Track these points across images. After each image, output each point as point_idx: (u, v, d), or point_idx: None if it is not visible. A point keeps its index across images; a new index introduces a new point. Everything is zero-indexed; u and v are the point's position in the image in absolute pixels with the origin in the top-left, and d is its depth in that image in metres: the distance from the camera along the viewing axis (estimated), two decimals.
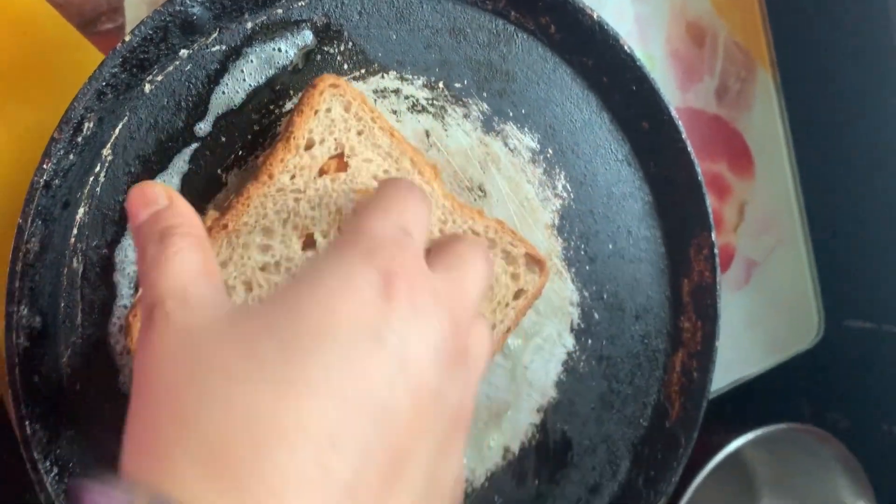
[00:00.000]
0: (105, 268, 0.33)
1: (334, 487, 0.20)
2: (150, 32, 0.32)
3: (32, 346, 0.31)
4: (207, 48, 0.34)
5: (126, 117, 0.33)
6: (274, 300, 0.23)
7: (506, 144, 0.40)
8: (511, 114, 0.40)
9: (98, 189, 0.33)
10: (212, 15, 0.34)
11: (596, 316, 0.42)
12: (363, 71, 0.37)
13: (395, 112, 0.38)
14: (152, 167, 0.34)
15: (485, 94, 0.39)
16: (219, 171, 0.35)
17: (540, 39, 0.40)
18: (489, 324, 0.29)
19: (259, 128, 0.35)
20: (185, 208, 0.26)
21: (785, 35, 0.55)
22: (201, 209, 0.35)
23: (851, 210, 0.58)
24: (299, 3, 0.35)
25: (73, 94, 0.31)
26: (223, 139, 0.35)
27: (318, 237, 0.33)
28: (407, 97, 0.38)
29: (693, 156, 0.41)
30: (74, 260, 0.33)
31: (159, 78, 0.34)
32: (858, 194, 0.57)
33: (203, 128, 0.34)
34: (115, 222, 0.33)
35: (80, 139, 0.31)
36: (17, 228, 0.30)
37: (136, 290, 0.34)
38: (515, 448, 0.41)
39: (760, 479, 0.63)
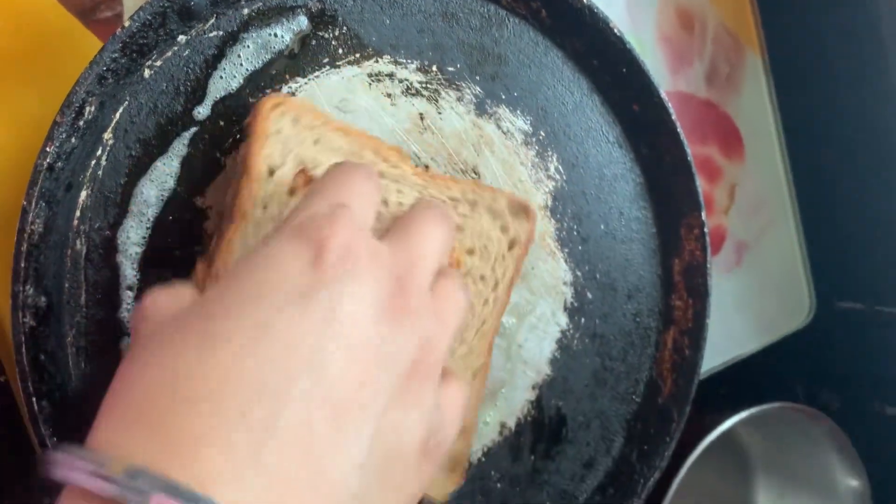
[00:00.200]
0: (108, 249, 0.34)
1: (257, 432, 0.21)
2: (149, 18, 0.33)
3: (38, 324, 0.32)
4: (205, 34, 0.35)
5: (126, 101, 0.34)
6: (216, 284, 0.24)
7: (499, 127, 0.41)
8: (503, 97, 0.40)
9: (100, 172, 0.34)
10: (209, 1, 0.34)
11: (589, 295, 0.43)
12: (357, 55, 0.38)
13: (389, 95, 0.38)
14: (152, 151, 0.35)
15: (477, 78, 0.40)
16: (217, 154, 0.35)
17: (531, 23, 0.40)
18: (458, 278, 0.28)
19: None
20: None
21: (773, 18, 0.56)
22: (202, 192, 0.35)
23: (842, 192, 0.59)
24: None
25: (72, 81, 0.32)
26: (221, 123, 0.35)
27: None
28: (401, 81, 0.38)
29: (682, 136, 0.42)
30: (78, 241, 0.34)
31: (158, 63, 0.34)
32: (849, 176, 0.58)
33: (202, 112, 0.35)
34: (116, 205, 0.34)
35: (81, 123, 0.32)
36: (21, 210, 0.31)
37: (140, 270, 0.34)
38: (511, 424, 0.41)
39: (753, 459, 0.64)
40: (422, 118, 0.39)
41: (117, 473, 0.20)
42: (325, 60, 0.37)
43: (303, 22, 0.36)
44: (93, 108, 0.32)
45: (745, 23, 0.55)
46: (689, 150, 0.42)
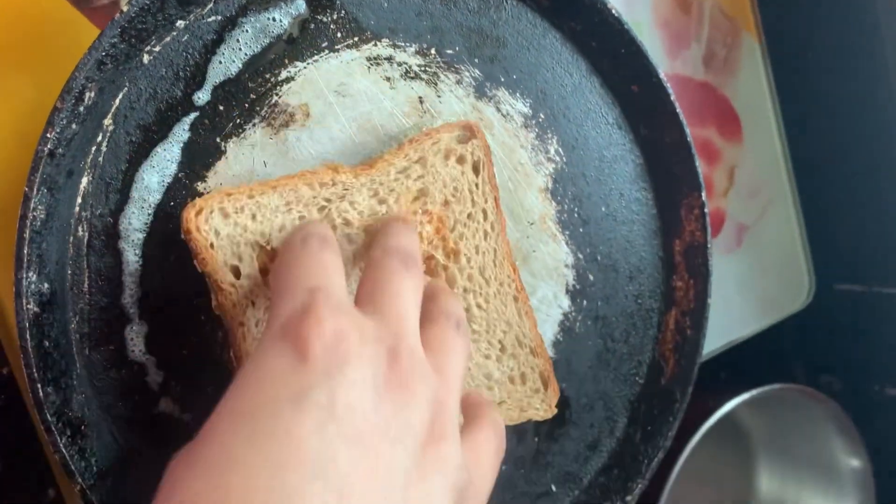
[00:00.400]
0: (110, 236, 0.34)
1: None
2: (148, 3, 0.33)
3: (42, 311, 0.32)
4: (203, 18, 0.35)
5: (126, 87, 0.34)
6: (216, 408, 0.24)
7: (498, 110, 0.41)
8: (503, 79, 0.40)
9: (101, 158, 0.34)
10: None
11: (590, 277, 0.43)
12: (356, 39, 0.38)
13: (388, 79, 0.38)
14: (153, 136, 0.34)
15: (476, 60, 0.40)
16: (218, 139, 0.35)
17: (529, 5, 0.40)
18: (450, 317, 0.28)
19: (255, 96, 0.36)
20: None
21: (769, 0, 0.56)
22: (203, 177, 0.35)
23: (840, 173, 0.59)
24: None
25: (69, 70, 0.32)
26: (221, 108, 0.35)
27: None
28: (400, 64, 0.38)
29: (682, 117, 0.42)
30: (80, 228, 0.33)
31: (157, 48, 0.34)
32: (846, 157, 0.58)
33: (201, 97, 0.35)
34: (118, 191, 0.34)
35: (81, 108, 0.32)
36: (23, 196, 0.31)
37: (142, 257, 0.34)
38: None
39: (755, 441, 0.64)
40: (421, 102, 0.39)
41: None
42: (324, 44, 0.37)
43: (301, 6, 0.36)
44: (92, 94, 0.32)
45: (741, 5, 0.55)
46: (688, 130, 0.42)
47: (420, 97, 0.39)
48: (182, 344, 0.35)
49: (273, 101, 0.36)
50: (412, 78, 0.39)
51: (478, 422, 0.29)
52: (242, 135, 0.36)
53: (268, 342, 0.24)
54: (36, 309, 0.32)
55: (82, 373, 0.33)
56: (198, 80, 0.35)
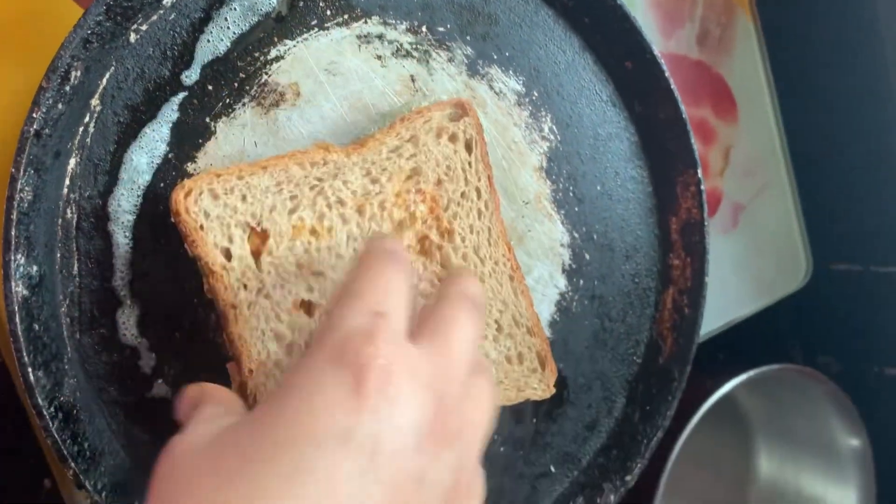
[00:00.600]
0: (99, 218, 0.34)
1: None
2: None
3: (31, 294, 0.31)
4: None
5: (113, 67, 0.33)
6: (252, 415, 0.24)
7: (491, 88, 0.40)
8: (495, 57, 0.40)
9: (88, 139, 0.33)
10: None
11: (587, 256, 0.43)
12: (346, 16, 0.37)
13: (379, 58, 0.38)
14: (141, 117, 0.34)
15: (468, 38, 0.39)
16: (207, 119, 0.35)
17: None
18: (489, 375, 0.28)
19: (245, 75, 0.35)
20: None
21: None
22: (193, 158, 0.35)
23: (836, 152, 0.59)
24: None
25: (54, 53, 0.31)
26: (210, 87, 0.35)
27: (312, 297, 0.33)
28: (391, 42, 0.38)
29: (676, 93, 0.41)
30: (68, 210, 0.33)
31: (144, 27, 0.34)
32: (842, 136, 0.58)
33: (190, 76, 0.35)
34: (106, 172, 0.34)
35: (67, 88, 0.32)
36: (10, 177, 0.30)
37: (133, 239, 0.34)
38: None
39: (754, 422, 0.64)
40: (413, 80, 0.39)
41: None
42: (314, 22, 0.37)
43: None
44: (78, 73, 0.32)
45: None
46: (683, 108, 0.42)
47: (412, 75, 0.39)
48: (174, 327, 0.35)
49: (263, 80, 0.36)
50: (403, 56, 0.38)
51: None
52: (232, 114, 0.35)
53: (322, 357, 0.24)
54: (25, 292, 0.31)
55: (74, 356, 0.33)
56: (186, 59, 0.35)
